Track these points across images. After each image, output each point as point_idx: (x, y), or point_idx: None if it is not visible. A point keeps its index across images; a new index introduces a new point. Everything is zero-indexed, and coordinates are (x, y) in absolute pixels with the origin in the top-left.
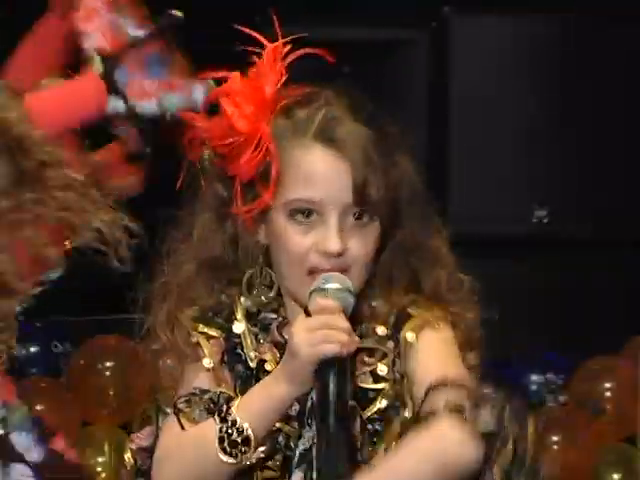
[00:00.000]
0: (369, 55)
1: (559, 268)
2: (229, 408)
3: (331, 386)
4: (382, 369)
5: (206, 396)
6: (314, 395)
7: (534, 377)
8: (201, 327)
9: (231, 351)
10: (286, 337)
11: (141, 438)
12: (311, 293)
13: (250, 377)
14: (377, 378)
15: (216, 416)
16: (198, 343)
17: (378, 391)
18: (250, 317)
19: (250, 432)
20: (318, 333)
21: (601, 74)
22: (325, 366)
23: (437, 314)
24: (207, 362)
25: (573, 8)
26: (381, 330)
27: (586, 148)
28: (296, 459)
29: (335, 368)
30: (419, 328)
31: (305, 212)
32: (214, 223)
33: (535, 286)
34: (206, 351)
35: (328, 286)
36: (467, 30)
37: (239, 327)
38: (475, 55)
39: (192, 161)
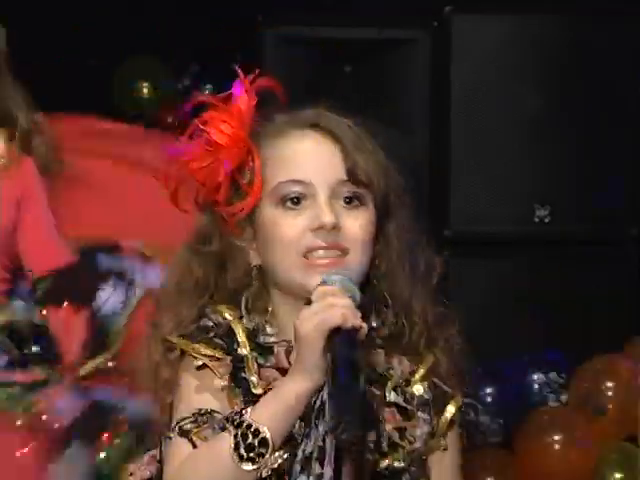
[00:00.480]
0: (370, 54)
1: (560, 267)
2: (242, 415)
3: (340, 352)
4: (412, 432)
5: (218, 416)
6: (324, 391)
7: (536, 376)
8: (204, 349)
9: (236, 374)
10: (291, 362)
11: (141, 468)
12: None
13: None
14: (403, 437)
15: (229, 425)
16: (204, 365)
17: (398, 447)
18: (250, 340)
19: (267, 434)
20: (320, 312)
21: (603, 73)
22: (332, 339)
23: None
24: (219, 383)
25: (574, 7)
26: (418, 390)
27: (588, 147)
28: (299, 461)
29: (342, 338)
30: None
31: (294, 199)
32: (193, 251)
33: (536, 285)
34: (216, 372)
35: (327, 277)
36: (468, 30)
37: (244, 350)
38: (476, 55)
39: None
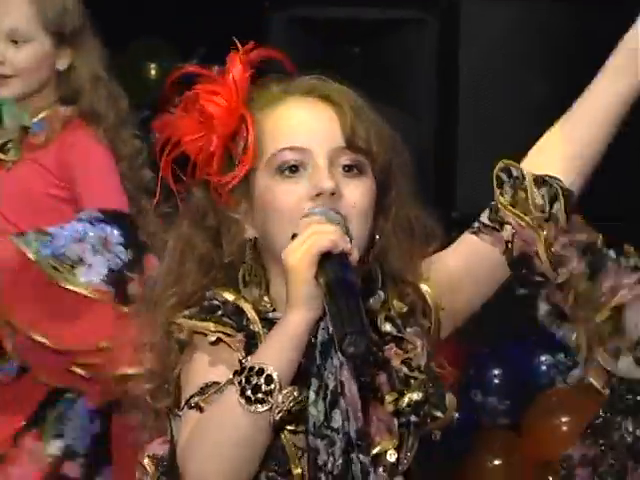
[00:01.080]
0: (379, 35)
1: None
2: (244, 363)
3: (333, 274)
4: (416, 357)
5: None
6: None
7: (543, 358)
8: (214, 327)
9: (250, 350)
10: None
11: (153, 447)
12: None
13: None
14: (411, 368)
15: (233, 377)
16: (218, 340)
17: (413, 379)
18: (259, 316)
19: (272, 371)
20: (307, 240)
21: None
22: (323, 264)
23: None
24: (236, 356)
25: None
26: (398, 307)
27: None
28: (325, 398)
29: (333, 262)
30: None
31: (292, 167)
32: (194, 226)
33: None
34: (232, 346)
35: (310, 211)
36: (477, 10)
37: (255, 327)
38: (484, 35)
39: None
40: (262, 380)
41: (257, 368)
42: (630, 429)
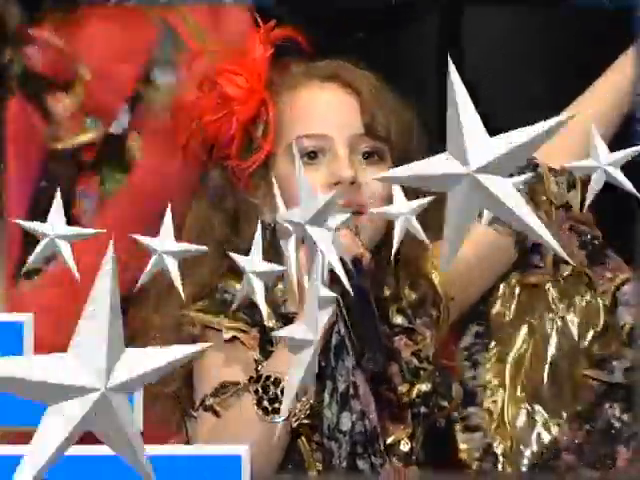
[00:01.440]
0: (382, 22)
1: None
2: (259, 370)
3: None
4: (425, 349)
5: (240, 385)
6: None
7: None
8: (228, 322)
9: (264, 346)
10: None
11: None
12: None
13: None
14: (420, 359)
15: (249, 384)
16: (233, 338)
17: (423, 370)
18: (273, 311)
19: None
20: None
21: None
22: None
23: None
24: (251, 355)
25: None
26: (409, 296)
27: None
28: (335, 401)
29: (346, 268)
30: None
31: (311, 153)
32: (211, 207)
33: None
34: (247, 344)
35: None
36: (477, 8)
37: (269, 322)
38: (485, 35)
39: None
40: (279, 390)
41: (273, 378)
42: (617, 414)
